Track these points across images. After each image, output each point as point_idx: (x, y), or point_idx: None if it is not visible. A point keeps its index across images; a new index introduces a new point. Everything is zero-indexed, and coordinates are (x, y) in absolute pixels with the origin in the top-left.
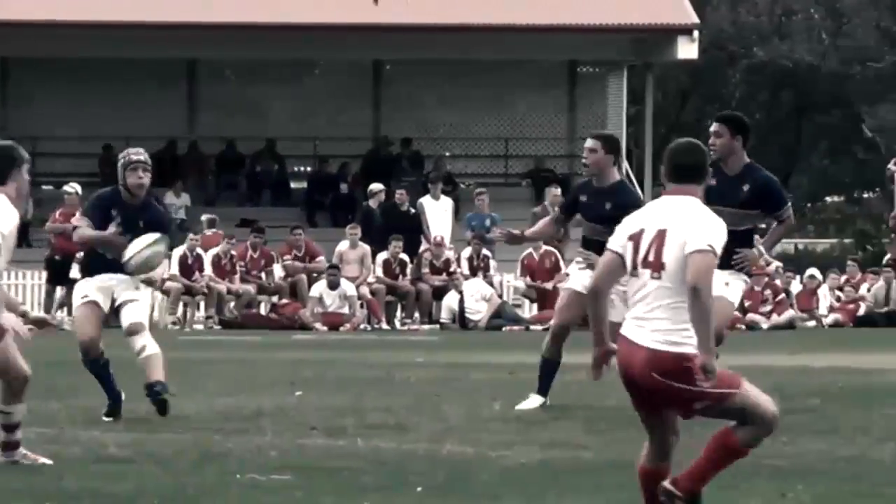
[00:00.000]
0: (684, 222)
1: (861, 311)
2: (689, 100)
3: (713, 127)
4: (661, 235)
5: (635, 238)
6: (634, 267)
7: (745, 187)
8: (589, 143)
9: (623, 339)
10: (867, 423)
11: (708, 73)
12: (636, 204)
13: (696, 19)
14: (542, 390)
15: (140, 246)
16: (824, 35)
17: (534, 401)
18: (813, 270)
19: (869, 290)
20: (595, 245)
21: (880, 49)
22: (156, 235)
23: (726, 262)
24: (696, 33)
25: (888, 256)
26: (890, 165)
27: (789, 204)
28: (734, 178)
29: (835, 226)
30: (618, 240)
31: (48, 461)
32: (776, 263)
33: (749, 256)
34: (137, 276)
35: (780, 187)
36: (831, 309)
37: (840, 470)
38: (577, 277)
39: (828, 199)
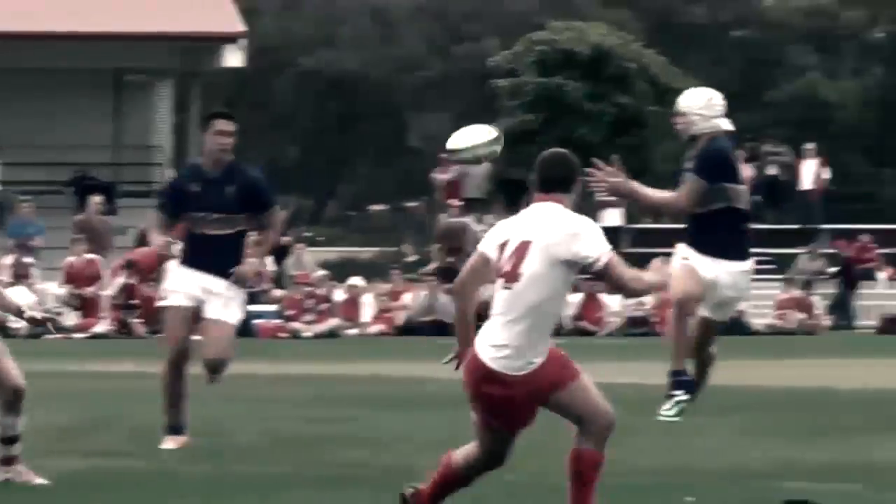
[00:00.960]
0: (553, 233)
1: (402, 320)
2: (235, 108)
3: (222, 125)
4: (523, 247)
5: (501, 248)
6: (497, 275)
7: (231, 188)
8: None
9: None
10: (408, 432)
11: (255, 82)
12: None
13: (242, 27)
14: None
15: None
16: (372, 44)
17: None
18: (356, 279)
19: (412, 299)
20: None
21: (428, 58)
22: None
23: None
24: (242, 41)
25: (432, 265)
26: (435, 174)
27: (277, 206)
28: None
29: (379, 234)
30: (489, 243)
31: (44, 481)
32: (321, 272)
33: (243, 271)
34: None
35: (267, 186)
36: (374, 317)
37: (378, 479)
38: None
39: (373, 207)
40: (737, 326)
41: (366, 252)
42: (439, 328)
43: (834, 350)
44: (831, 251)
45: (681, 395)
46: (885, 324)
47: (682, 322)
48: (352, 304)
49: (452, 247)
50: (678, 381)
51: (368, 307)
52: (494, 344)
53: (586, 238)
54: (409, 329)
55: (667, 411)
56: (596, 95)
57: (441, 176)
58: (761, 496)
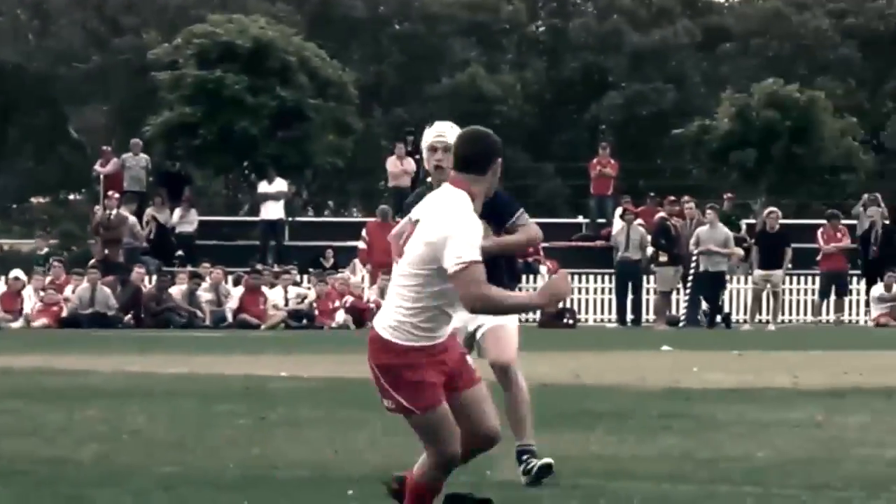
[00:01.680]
0: (436, 225)
1: (65, 313)
2: None
3: None
4: (413, 226)
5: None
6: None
7: None
8: None
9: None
10: (68, 425)
11: None
12: None
13: None
14: None
15: None
16: (30, 36)
17: None
18: (17, 271)
19: (73, 292)
20: None
21: (86, 50)
22: None
23: None
24: None
25: (94, 259)
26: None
27: None
28: None
29: (40, 226)
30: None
31: None
32: None
33: None
34: None
35: None
36: (37, 310)
37: (41, 471)
38: None
39: (34, 199)
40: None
41: (27, 244)
42: (101, 320)
43: None
44: None
45: None
46: (545, 318)
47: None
48: (14, 297)
49: (111, 238)
50: None
51: (31, 300)
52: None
53: (452, 243)
54: (72, 321)
55: None
56: (256, 88)
57: (101, 168)
58: None
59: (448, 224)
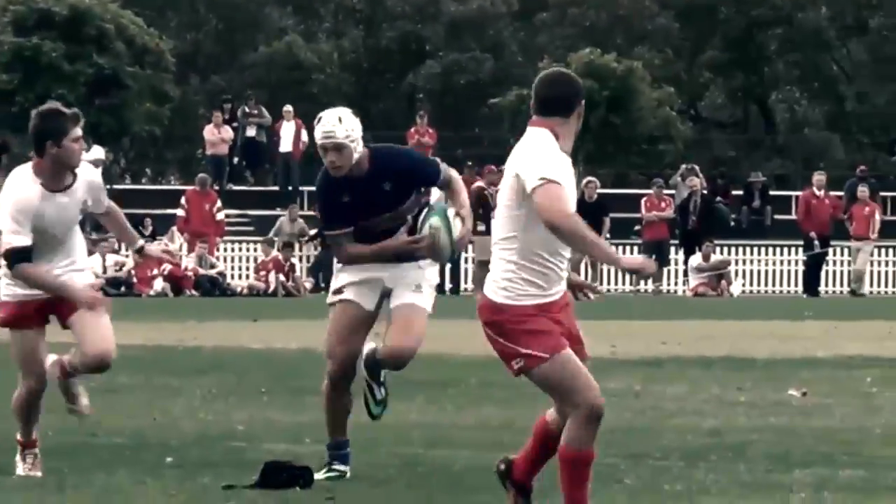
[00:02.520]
0: (520, 157)
1: None
2: None
3: None
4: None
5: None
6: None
7: None
8: None
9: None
10: None
11: None
12: None
13: None
14: None
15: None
16: None
17: None
18: None
19: None
20: None
21: None
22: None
23: None
24: None
25: None
26: None
27: None
28: None
29: None
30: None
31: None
32: None
33: None
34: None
35: None
36: None
37: None
38: None
39: None
40: (218, 288)
41: None
42: None
43: (314, 311)
44: (311, 213)
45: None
46: None
47: None
48: None
49: None
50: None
51: None
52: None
53: (534, 164)
54: None
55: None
56: (73, 56)
57: None
58: (242, 457)
59: (530, 152)
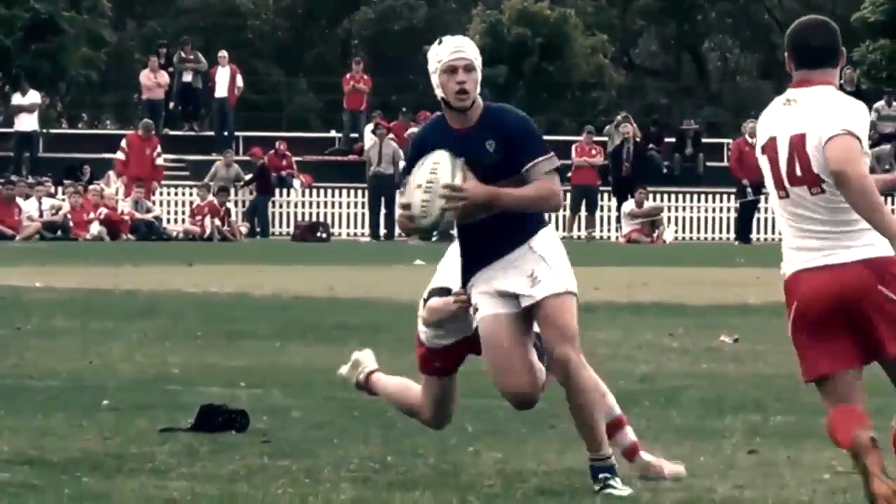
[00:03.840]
0: (822, 117)
1: None
2: None
3: None
4: (801, 141)
5: (769, 150)
6: (781, 185)
7: None
8: None
9: (809, 273)
10: None
11: None
12: None
13: None
14: None
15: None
16: None
17: None
18: None
19: None
20: None
21: None
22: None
23: None
24: None
25: None
26: None
27: None
28: None
29: None
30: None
31: None
32: None
33: None
34: None
35: None
36: None
37: None
38: None
39: None
40: (154, 232)
41: None
42: None
43: (250, 256)
44: (247, 158)
45: None
46: (299, 231)
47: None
48: None
49: None
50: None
51: None
52: None
53: (841, 117)
54: None
55: None
56: (9, 1)
57: None
58: (178, 400)
59: (841, 113)
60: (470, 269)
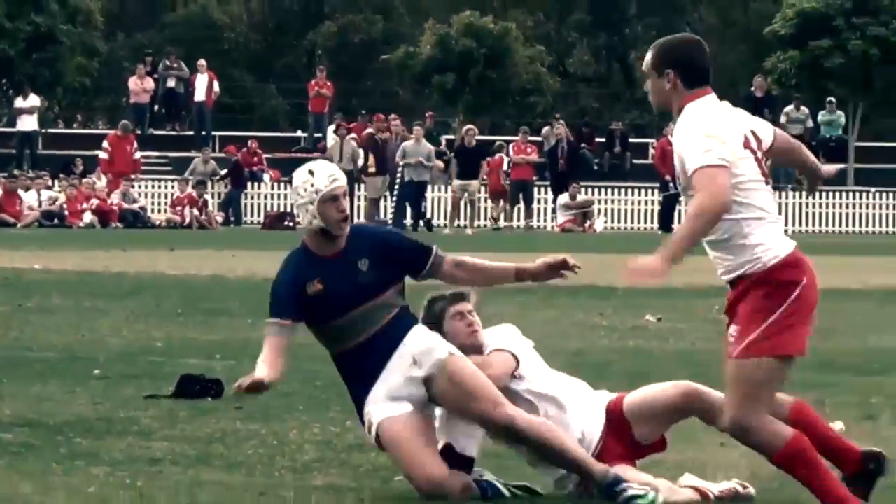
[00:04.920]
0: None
1: None
2: None
3: None
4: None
5: (748, 145)
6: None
7: None
8: None
9: (805, 258)
10: None
11: None
12: None
13: None
14: None
15: None
16: None
17: None
18: None
19: None
20: None
21: None
22: None
23: None
24: None
25: None
26: None
27: None
28: None
29: None
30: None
31: None
32: None
33: None
34: None
35: None
36: None
37: None
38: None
39: None
40: (139, 220)
41: None
42: None
43: (224, 242)
44: (222, 155)
45: None
46: (269, 220)
47: None
48: None
49: None
50: None
51: None
52: None
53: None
54: None
55: None
56: (13, 14)
57: None
58: (161, 370)
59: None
60: (360, 396)
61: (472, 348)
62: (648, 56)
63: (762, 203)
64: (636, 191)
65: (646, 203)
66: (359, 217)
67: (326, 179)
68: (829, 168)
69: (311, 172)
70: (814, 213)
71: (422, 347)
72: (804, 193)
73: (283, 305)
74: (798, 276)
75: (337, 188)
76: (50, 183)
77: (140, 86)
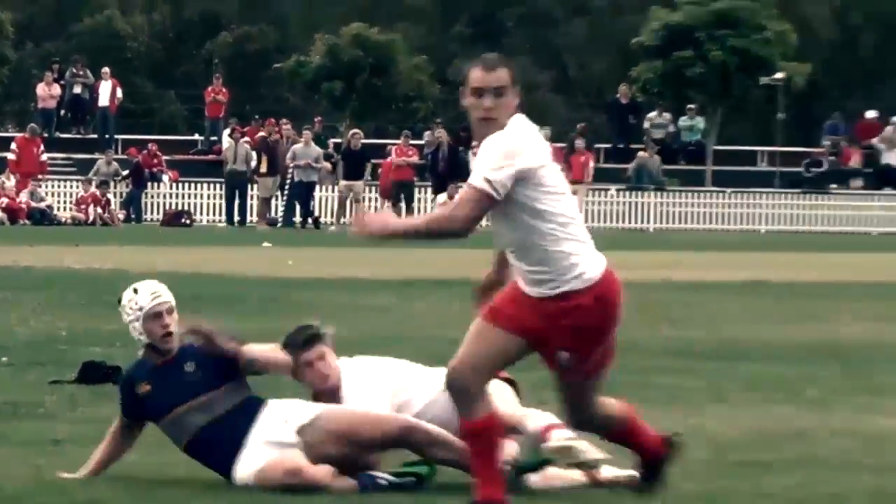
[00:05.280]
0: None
1: None
2: None
3: None
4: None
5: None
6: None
7: None
8: None
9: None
10: None
11: None
12: None
13: None
14: None
15: None
16: None
17: None
18: None
19: None
20: None
21: None
22: None
23: None
24: None
25: None
26: None
27: None
28: None
29: None
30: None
31: None
32: None
33: None
34: None
35: None
36: None
37: None
38: None
39: None
40: (46, 218)
41: None
42: None
43: (126, 239)
44: (124, 157)
45: None
46: (167, 218)
47: None
48: None
49: None
50: None
51: None
52: None
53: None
54: None
55: None
56: None
57: None
58: (65, 358)
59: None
60: (226, 466)
61: (329, 393)
62: (507, 71)
63: (573, 218)
64: None
65: None
66: (251, 214)
67: (149, 297)
68: None
69: (135, 291)
70: (674, 213)
71: (286, 411)
72: (667, 194)
73: (122, 405)
74: (614, 296)
75: (159, 305)
76: None
77: (47, 92)
